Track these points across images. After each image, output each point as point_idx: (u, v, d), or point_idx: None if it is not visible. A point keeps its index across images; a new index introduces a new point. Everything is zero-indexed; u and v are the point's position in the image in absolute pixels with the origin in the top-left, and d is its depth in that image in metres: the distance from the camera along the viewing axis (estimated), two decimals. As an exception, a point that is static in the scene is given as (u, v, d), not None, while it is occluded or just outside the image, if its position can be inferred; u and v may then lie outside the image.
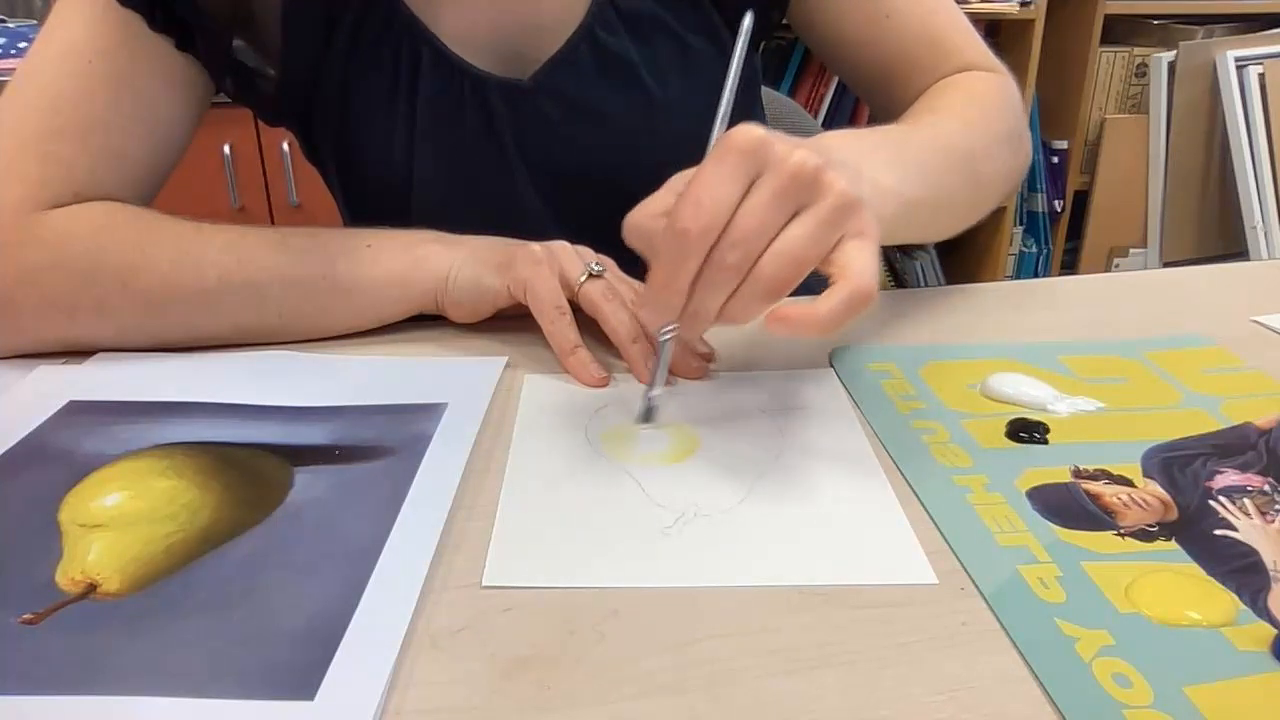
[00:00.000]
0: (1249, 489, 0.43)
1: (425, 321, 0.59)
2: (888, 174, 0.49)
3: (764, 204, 0.40)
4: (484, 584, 0.37)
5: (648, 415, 0.49)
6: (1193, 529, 0.40)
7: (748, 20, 0.49)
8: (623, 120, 0.67)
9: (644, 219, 0.43)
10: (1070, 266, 2.38)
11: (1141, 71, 2.25)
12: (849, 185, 0.41)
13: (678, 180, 0.44)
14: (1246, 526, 0.40)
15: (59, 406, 0.49)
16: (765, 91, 0.88)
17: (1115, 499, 0.42)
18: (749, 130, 0.40)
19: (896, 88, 0.70)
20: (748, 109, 0.76)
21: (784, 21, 0.72)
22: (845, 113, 2.14)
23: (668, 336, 0.47)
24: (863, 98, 0.75)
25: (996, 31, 2.13)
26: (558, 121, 0.67)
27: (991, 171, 0.62)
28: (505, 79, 0.66)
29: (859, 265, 0.40)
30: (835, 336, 0.58)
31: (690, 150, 0.67)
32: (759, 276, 0.40)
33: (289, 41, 0.63)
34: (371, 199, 0.71)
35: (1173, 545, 0.39)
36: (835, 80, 2.10)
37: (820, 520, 0.41)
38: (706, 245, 0.40)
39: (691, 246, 0.40)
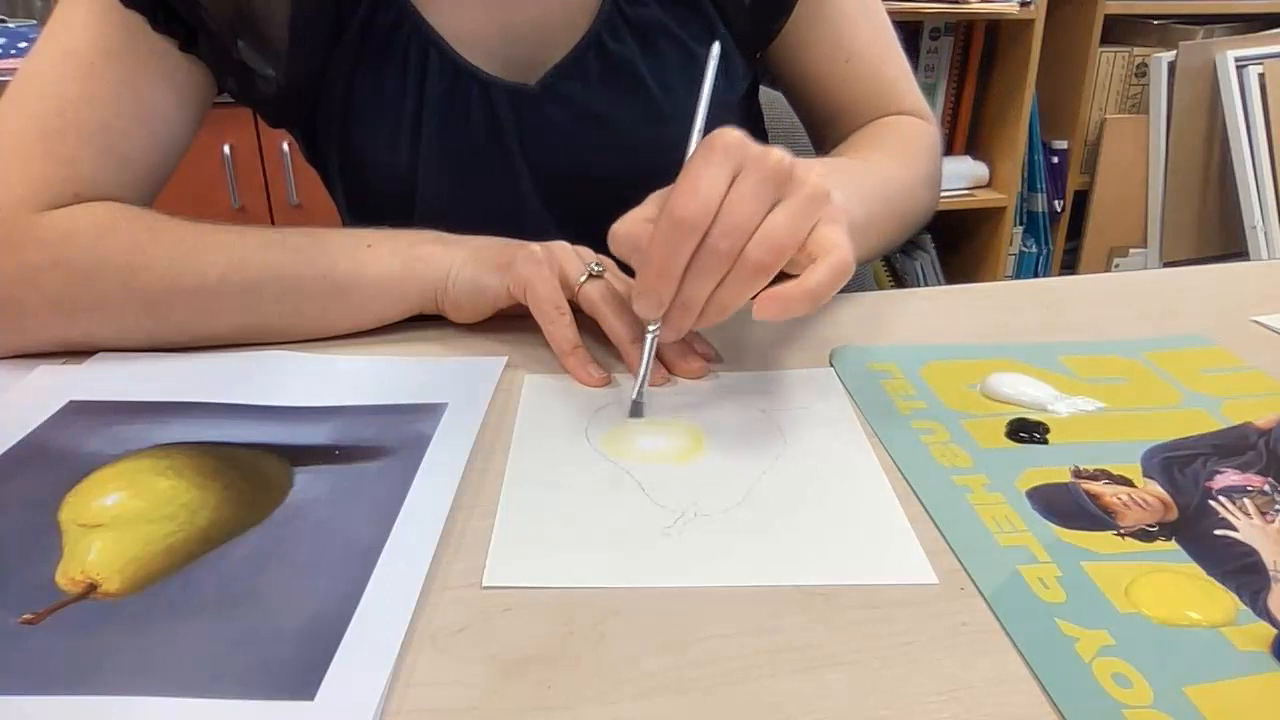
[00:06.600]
0: (1249, 489, 0.43)
1: (425, 321, 0.59)
2: (838, 195, 0.51)
3: (749, 195, 0.44)
4: (484, 584, 0.37)
5: (636, 410, 0.50)
6: (1193, 529, 0.40)
7: (715, 48, 0.54)
8: (627, 126, 0.68)
9: (630, 226, 0.46)
10: (1070, 266, 2.38)
11: (1141, 71, 2.25)
12: (820, 178, 0.45)
13: (658, 195, 0.47)
14: (1246, 526, 0.40)
15: (59, 406, 0.49)
16: (764, 91, 0.88)
17: (1115, 499, 0.42)
18: (729, 132, 0.44)
19: (840, 125, 0.76)
20: (748, 117, 0.78)
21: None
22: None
23: (652, 333, 0.50)
24: (806, 128, 0.82)
25: (997, 31, 2.12)
26: (563, 127, 0.67)
27: (912, 210, 0.69)
28: (512, 83, 0.66)
29: (834, 240, 0.45)
30: (837, 335, 0.58)
31: None
32: (746, 262, 0.44)
33: (295, 41, 0.62)
34: (374, 200, 0.71)
35: (1173, 545, 0.39)
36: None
37: (820, 520, 0.41)
38: (701, 231, 0.43)
39: (688, 231, 0.43)
